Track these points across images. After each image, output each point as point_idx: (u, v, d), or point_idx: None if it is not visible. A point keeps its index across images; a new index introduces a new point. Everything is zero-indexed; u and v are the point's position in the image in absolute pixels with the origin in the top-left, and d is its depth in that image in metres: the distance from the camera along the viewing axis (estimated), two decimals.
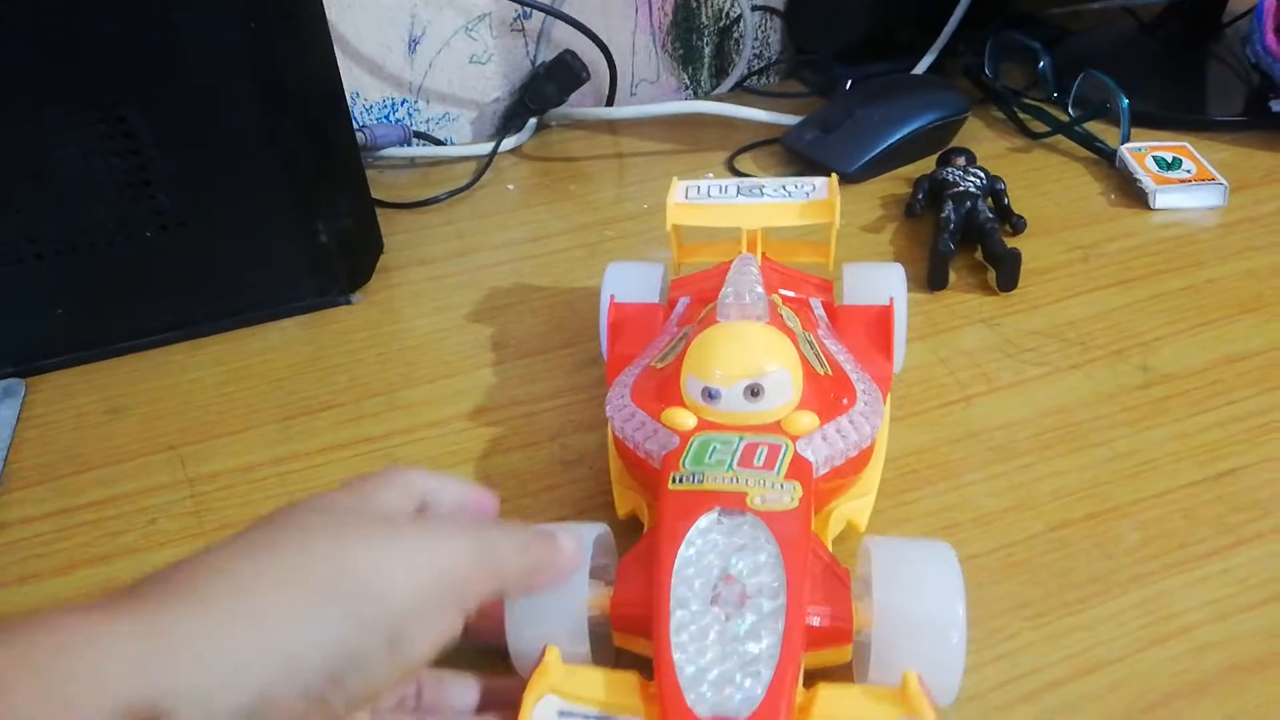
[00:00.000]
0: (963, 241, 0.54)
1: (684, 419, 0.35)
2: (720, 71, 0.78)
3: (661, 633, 0.29)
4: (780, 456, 0.34)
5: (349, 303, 0.55)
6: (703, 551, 0.31)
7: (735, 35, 0.77)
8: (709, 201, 0.46)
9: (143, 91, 0.46)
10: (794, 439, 0.34)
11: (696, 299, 0.44)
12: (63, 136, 0.46)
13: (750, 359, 0.35)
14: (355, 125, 0.68)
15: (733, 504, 0.32)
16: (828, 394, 0.36)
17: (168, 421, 0.48)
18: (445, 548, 0.27)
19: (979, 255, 0.54)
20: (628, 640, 0.33)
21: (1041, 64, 0.69)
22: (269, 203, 0.50)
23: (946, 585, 0.30)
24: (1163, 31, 0.75)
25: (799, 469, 0.33)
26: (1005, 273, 0.52)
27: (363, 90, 0.69)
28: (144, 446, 0.47)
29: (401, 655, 0.25)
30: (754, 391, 0.35)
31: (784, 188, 0.46)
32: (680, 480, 0.33)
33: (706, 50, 0.77)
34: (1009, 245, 0.53)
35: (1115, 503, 0.40)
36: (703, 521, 0.32)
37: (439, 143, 0.71)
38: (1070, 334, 0.49)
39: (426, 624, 0.26)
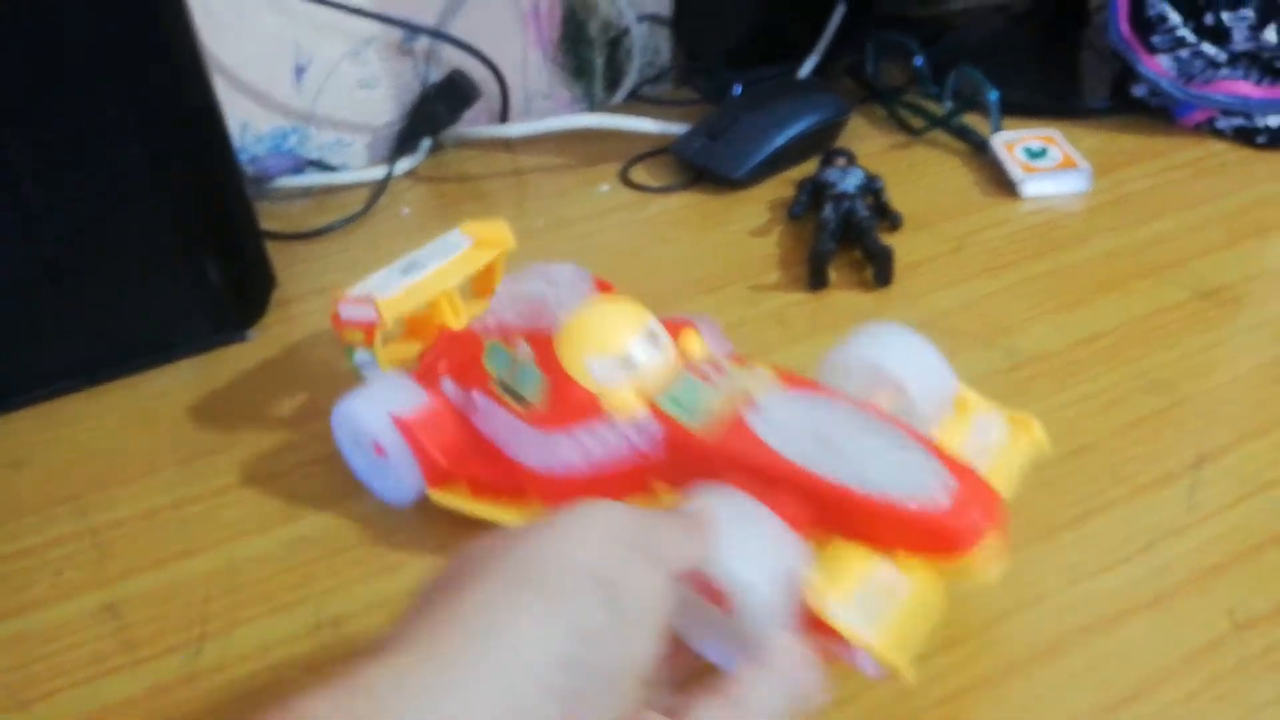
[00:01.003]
0: (843, 240, 0.57)
1: (627, 400, 0.37)
2: (614, 82, 0.80)
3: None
4: (725, 361, 0.39)
5: (244, 339, 0.55)
6: (791, 427, 0.35)
7: (625, 46, 0.78)
8: (400, 286, 0.45)
9: (21, 136, 0.46)
10: (700, 355, 0.40)
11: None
12: None
13: (628, 314, 0.39)
14: (246, 157, 0.68)
15: (747, 402, 0.36)
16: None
17: (69, 472, 0.48)
18: (610, 514, 0.26)
19: (858, 254, 0.57)
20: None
21: (918, 61, 0.72)
22: (155, 245, 0.51)
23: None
24: (1031, 24, 0.79)
25: (734, 359, 0.40)
26: (880, 269, 0.54)
27: (252, 121, 0.69)
28: (46, 499, 0.47)
29: (626, 615, 0.24)
30: (652, 337, 0.39)
31: (431, 253, 0.48)
32: (695, 424, 0.36)
33: (598, 62, 0.79)
34: (886, 241, 0.55)
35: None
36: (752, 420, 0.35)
37: (332, 169, 0.71)
38: (942, 324, 0.52)
39: (633, 577, 0.25)
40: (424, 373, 0.44)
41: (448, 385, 0.43)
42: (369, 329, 0.45)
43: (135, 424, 0.51)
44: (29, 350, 0.51)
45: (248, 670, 0.38)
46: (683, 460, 0.36)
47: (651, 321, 0.39)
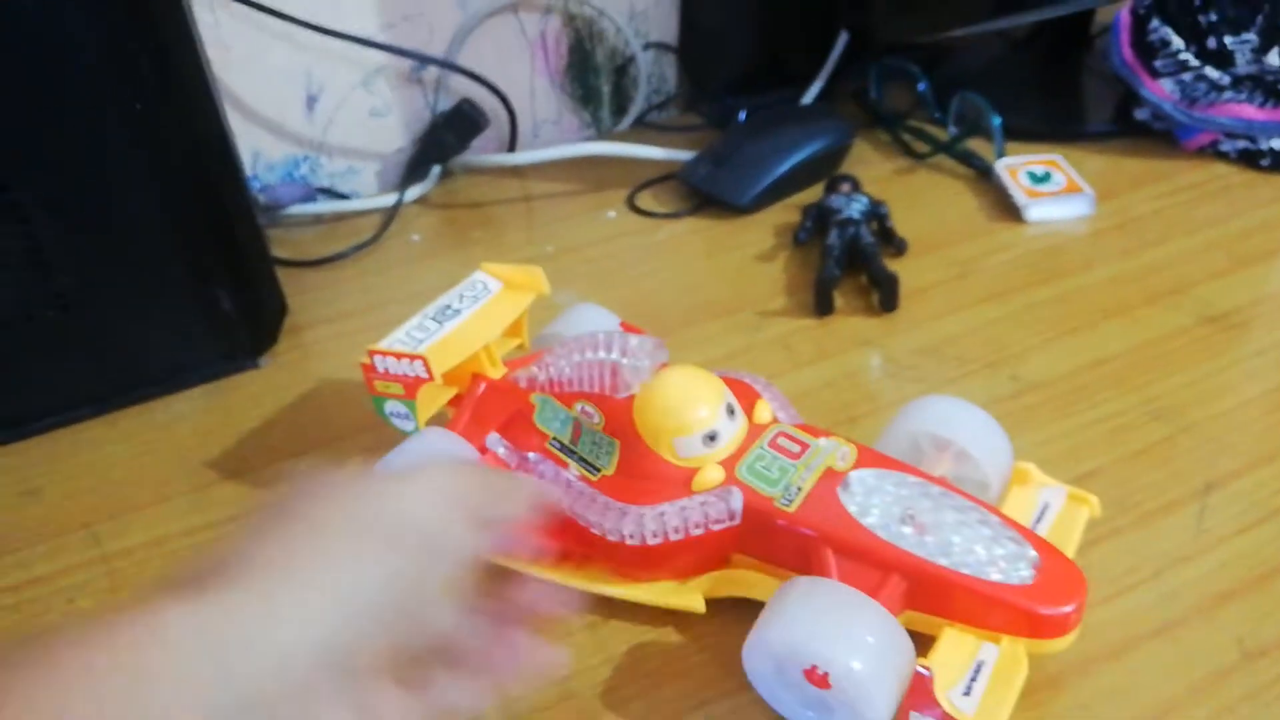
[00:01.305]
0: (848, 266, 0.57)
1: (712, 474, 0.37)
2: (620, 109, 0.81)
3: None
4: (798, 431, 0.39)
5: (256, 367, 0.56)
6: (882, 506, 0.36)
7: (631, 73, 0.79)
8: (439, 335, 0.43)
9: (33, 173, 0.47)
10: (770, 423, 0.39)
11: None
12: None
13: (708, 387, 0.39)
14: (257, 185, 0.69)
15: (834, 478, 0.37)
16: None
17: (82, 499, 0.49)
18: (451, 478, 0.30)
19: (864, 279, 0.57)
20: None
21: (921, 86, 0.73)
22: (167, 274, 0.51)
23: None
24: (1034, 49, 0.79)
25: (807, 429, 0.39)
26: (886, 295, 0.54)
27: (264, 150, 0.70)
28: (60, 526, 0.47)
29: (448, 568, 0.28)
30: (730, 410, 0.39)
31: (462, 297, 0.46)
32: (786, 502, 0.36)
33: (605, 89, 0.80)
34: (892, 267, 0.56)
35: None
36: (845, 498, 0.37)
37: (343, 197, 0.72)
38: (948, 350, 0.52)
39: (457, 538, 0.29)
40: (468, 428, 0.42)
41: (495, 442, 0.42)
42: (413, 384, 0.42)
43: (148, 452, 0.51)
44: (43, 379, 0.52)
45: None
46: (766, 534, 0.37)
47: (728, 394, 0.39)
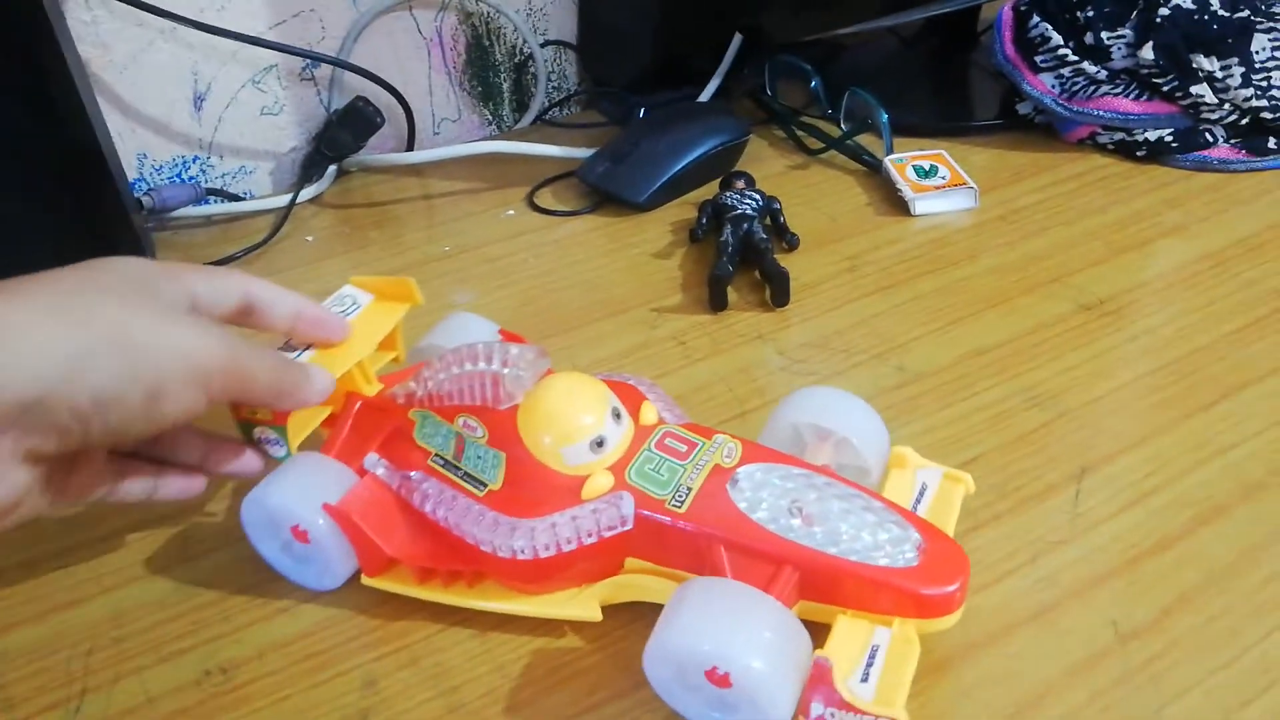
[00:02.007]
0: (742, 262, 0.58)
1: (601, 481, 0.37)
2: (521, 105, 0.80)
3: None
4: (684, 431, 0.39)
5: None
6: (770, 500, 0.37)
7: (531, 70, 0.79)
8: (309, 353, 0.41)
9: None
10: (656, 424, 0.40)
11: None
12: None
13: (592, 392, 0.38)
14: (144, 188, 0.67)
15: (722, 475, 0.37)
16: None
17: None
18: (203, 343, 0.34)
19: (757, 275, 0.58)
20: None
21: (814, 83, 0.74)
22: None
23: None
24: (923, 47, 0.81)
25: (693, 428, 0.40)
26: (777, 290, 0.55)
27: (151, 151, 0.68)
28: None
29: (154, 409, 0.33)
30: (616, 414, 0.38)
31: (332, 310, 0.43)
32: (677, 504, 0.36)
33: (505, 86, 0.79)
34: (784, 262, 0.57)
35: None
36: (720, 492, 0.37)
37: (236, 198, 0.70)
38: (836, 343, 0.53)
39: (177, 392, 0.33)
40: (343, 449, 0.41)
41: (374, 463, 0.40)
42: (280, 413, 0.39)
43: None
44: None
45: None
46: (659, 536, 0.36)
47: (613, 398, 0.38)
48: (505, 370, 0.37)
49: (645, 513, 0.36)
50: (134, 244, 0.54)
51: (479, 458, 0.38)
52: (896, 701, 0.32)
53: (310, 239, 0.66)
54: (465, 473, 0.39)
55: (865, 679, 0.33)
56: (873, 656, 0.34)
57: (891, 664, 0.34)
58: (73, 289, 0.33)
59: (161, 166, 0.69)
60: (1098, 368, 0.51)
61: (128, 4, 0.60)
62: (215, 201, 0.70)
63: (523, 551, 0.36)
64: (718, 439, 0.39)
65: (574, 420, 0.37)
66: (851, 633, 0.34)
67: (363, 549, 0.39)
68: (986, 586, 0.40)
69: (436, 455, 0.39)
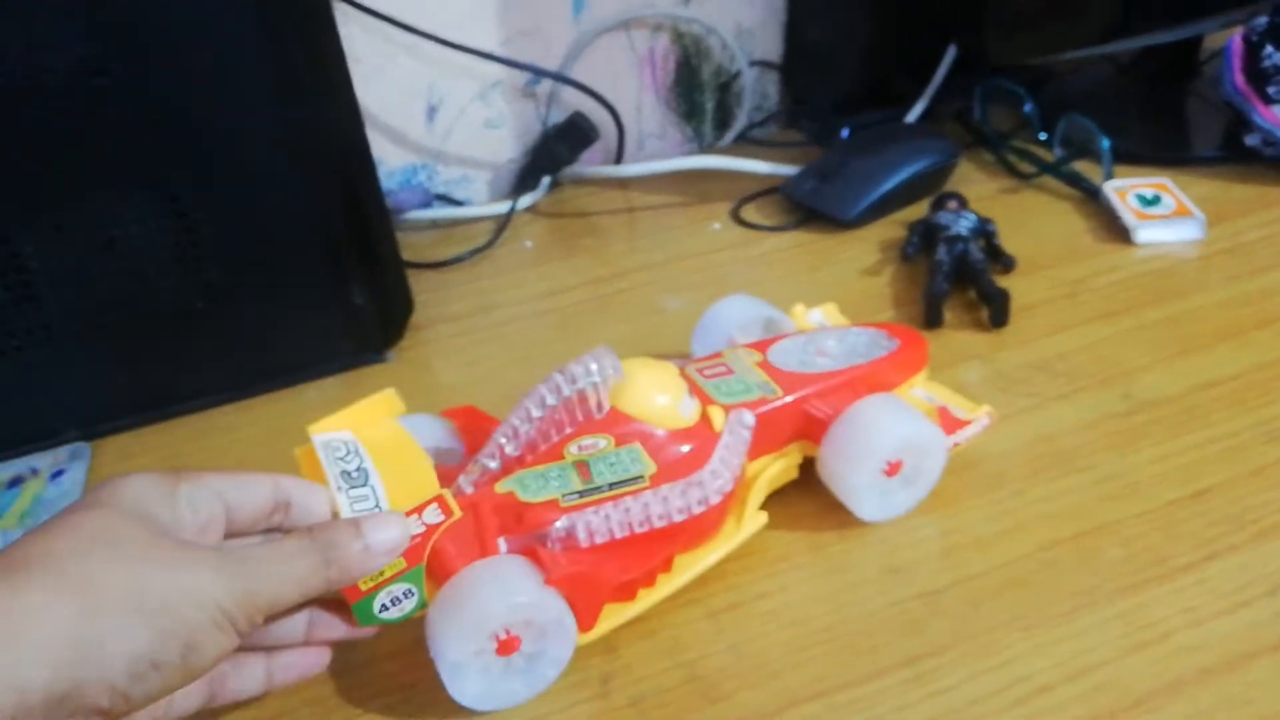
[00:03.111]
0: (956, 282, 0.58)
1: (715, 415, 0.42)
2: (723, 124, 0.83)
3: None
4: (705, 361, 0.46)
5: (383, 361, 0.59)
6: (804, 360, 0.47)
7: (735, 90, 0.81)
8: (383, 491, 0.37)
9: (192, 171, 0.50)
10: (683, 368, 0.45)
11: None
12: (124, 215, 0.50)
13: (652, 360, 0.43)
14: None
15: (765, 365, 0.46)
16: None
17: None
18: (222, 578, 0.31)
19: (972, 295, 0.58)
20: None
21: (1027, 108, 0.73)
22: (308, 270, 0.54)
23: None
24: (1140, 73, 0.79)
25: (707, 358, 0.47)
26: (996, 310, 0.55)
27: (386, 157, 0.73)
28: None
29: (190, 663, 0.30)
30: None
31: (345, 459, 0.38)
32: (772, 395, 0.44)
33: (709, 105, 0.82)
34: (1000, 284, 0.57)
35: (1100, 522, 0.43)
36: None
37: (458, 204, 0.75)
38: (1058, 366, 0.52)
39: (208, 639, 0.30)
40: (467, 558, 0.37)
41: (512, 544, 0.38)
42: (419, 546, 0.35)
43: (282, 436, 0.54)
44: (189, 364, 0.55)
45: None
46: (772, 427, 0.43)
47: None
48: (598, 380, 0.39)
49: (760, 415, 0.42)
50: (389, 239, 0.59)
51: (613, 464, 0.39)
52: (976, 408, 0.46)
53: (528, 244, 0.70)
54: (610, 484, 0.39)
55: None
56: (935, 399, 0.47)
57: (946, 396, 0.48)
58: (73, 551, 0.30)
59: (394, 172, 0.74)
60: None
61: (381, 19, 0.66)
62: (440, 206, 0.75)
63: (718, 494, 0.40)
64: (728, 353, 0.47)
65: (671, 382, 0.42)
66: (916, 399, 0.47)
67: (588, 601, 0.38)
68: (1223, 614, 0.39)
69: (566, 495, 0.38)
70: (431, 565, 0.36)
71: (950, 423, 0.45)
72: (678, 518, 0.39)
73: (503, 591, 0.35)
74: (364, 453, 0.38)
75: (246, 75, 0.49)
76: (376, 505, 0.36)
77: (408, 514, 0.36)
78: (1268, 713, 0.36)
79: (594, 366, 0.39)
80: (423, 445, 0.40)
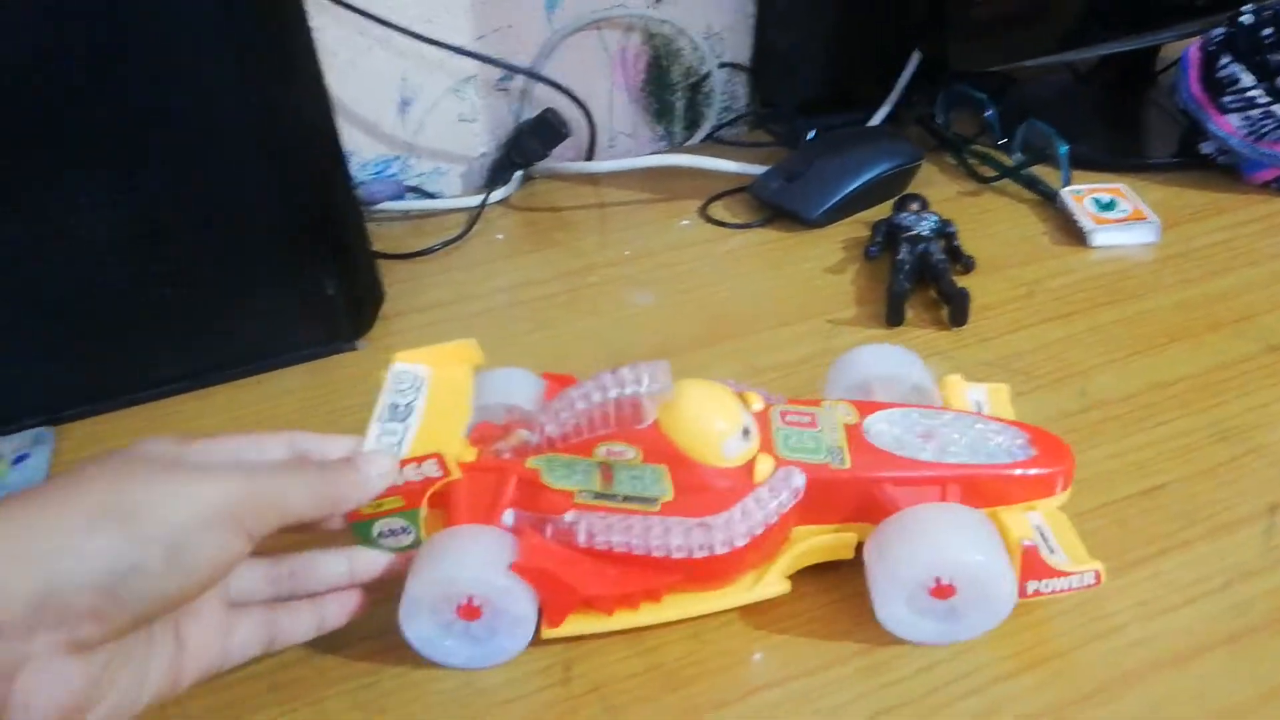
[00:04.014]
0: (917, 281, 0.59)
1: (764, 464, 0.39)
2: (692, 124, 0.83)
3: None
4: (795, 405, 0.42)
5: (354, 349, 0.59)
6: (903, 437, 0.41)
7: (705, 90, 0.82)
8: (412, 434, 0.39)
9: (154, 155, 0.49)
10: (766, 407, 0.42)
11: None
12: (82, 201, 0.49)
13: (720, 388, 0.41)
14: (353, 182, 0.72)
15: (855, 430, 0.41)
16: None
17: None
18: (217, 484, 0.32)
19: (933, 294, 0.59)
20: None
21: (989, 113, 0.75)
22: (276, 256, 0.54)
23: None
24: (1099, 81, 0.81)
25: (799, 401, 0.43)
26: (956, 310, 0.56)
27: (359, 149, 0.73)
28: None
29: (181, 566, 0.31)
30: (742, 399, 0.42)
31: (401, 392, 0.41)
32: (839, 463, 0.40)
33: (679, 105, 0.82)
34: (960, 284, 0.58)
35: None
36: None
37: (431, 196, 0.75)
38: (1016, 364, 0.54)
39: (203, 542, 0.31)
40: (473, 516, 0.39)
41: (518, 519, 0.40)
42: (419, 490, 0.38)
43: (249, 424, 0.54)
44: (154, 351, 0.55)
45: None
46: (826, 498, 0.39)
47: (732, 388, 0.41)
48: (643, 390, 0.38)
49: (814, 480, 0.39)
50: (360, 229, 0.59)
51: (636, 478, 0.39)
52: (1086, 559, 0.39)
53: (500, 237, 0.71)
54: (625, 496, 0.39)
55: (1052, 551, 0.39)
56: (1043, 535, 0.40)
57: (1061, 535, 0.40)
58: (64, 480, 0.31)
59: (366, 164, 0.74)
60: None
61: (354, 12, 0.66)
62: (413, 198, 0.75)
63: (724, 545, 0.38)
64: (826, 404, 0.42)
65: (725, 415, 0.39)
66: (1019, 522, 0.39)
67: (554, 600, 0.38)
68: (1176, 608, 0.40)
69: (583, 491, 0.39)
70: (445, 512, 0.39)
71: (1037, 567, 0.38)
72: (675, 555, 0.38)
73: (470, 562, 0.37)
74: (424, 392, 0.41)
75: (209, 59, 0.48)
76: (399, 443, 0.38)
77: (405, 463, 0.38)
78: (1219, 706, 0.37)
79: (645, 378, 0.38)
80: (505, 400, 0.44)
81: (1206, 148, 0.71)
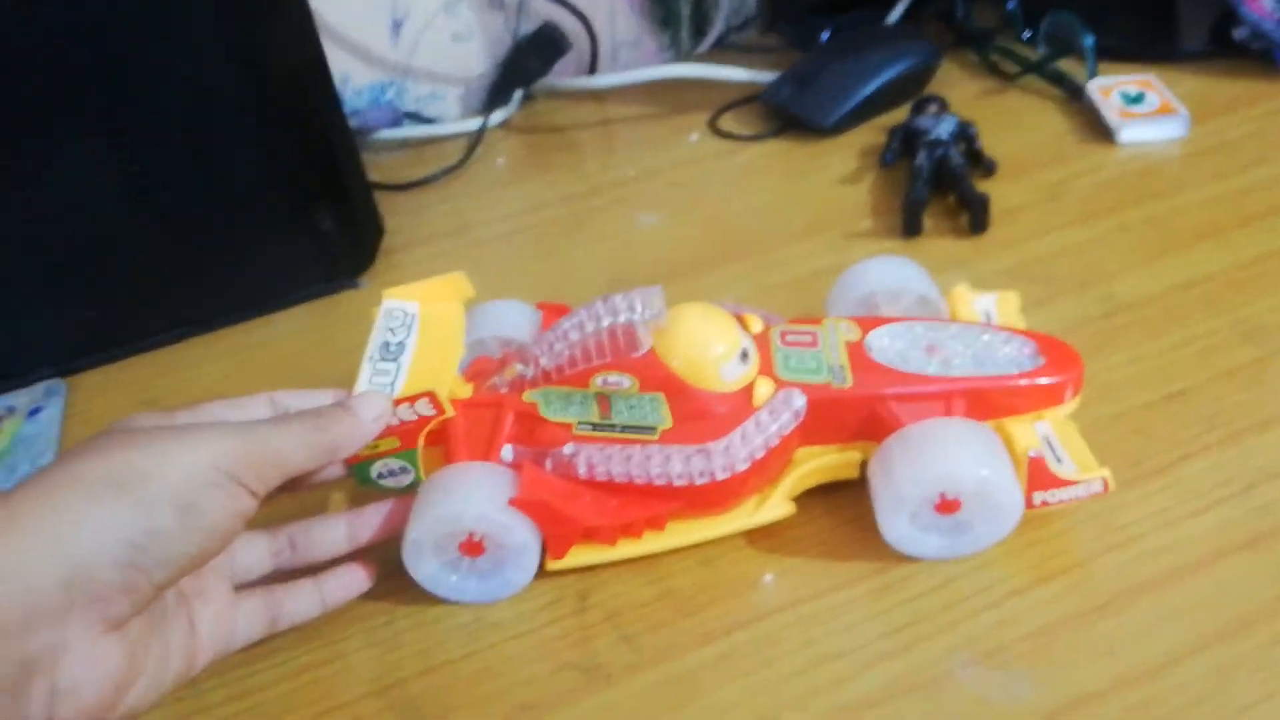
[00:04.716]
0: (936, 188, 0.57)
1: (764, 387, 0.38)
2: (700, 30, 0.80)
3: None
4: (796, 325, 0.41)
5: (356, 287, 0.58)
6: (907, 352, 0.40)
7: None
8: (404, 371, 0.39)
9: (139, 101, 0.48)
10: (766, 328, 0.41)
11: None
12: (71, 149, 0.48)
13: (716, 311, 0.39)
14: (347, 110, 0.71)
15: (857, 347, 0.40)
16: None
17: None
18: (212, 442, 0.32)
19: (952, 200, 0.57)
20: None
21: (1010, 5, 0.71)
22: (270, 196, 0.53)
23: None
24: None
25: (800, 320, 0.42)
26: (975, 216, 0.54)
27: (352, 75, 0.71)
28: None
29: (195, 524, 0.31)
30: (741, 321, 0.40)
31: (393, 330, 0.41)
32: (841, 382, 0.39)
33: (684, 11, 0.79)
34: (980, 189, 0.56)
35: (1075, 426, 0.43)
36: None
37: (429, 121, 0.73)
38: (1038, 271, 0.52)
39: (209, 499, 0.31)
40: (470, 455, 0.39)
41: (516, 453, 0.39)
42: (414, 430, 0.38)
43: (254, 366, 0.54)
44: (156, 297, 0.55)
45: None
46: (830, 417, 0.39)
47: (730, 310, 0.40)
48: (636, 317, 0.37)
49: (815, 400, 0.38)
50: (354, 161, 0.58)
51: (633, 407, 0.38)
52: (1095, 467, 0.38)
53: (500, 162, 0.69)
54: (624, 426, 0.38)
55: (1060, 460, 0.38)
56: (1050, 445, 0.39)
57: (1069, 444, 0.39)
58: (63, 462, 0.31)
59: (361, 90, 0.72)
60: None
61: None
62: (410, 124, 0.73)
63: (725, 470, 0.37)
64: (828, 323, 0.41)
65: (722, 339, 0.38)
66: (1027, 432, 0.38)
67: (555, 532, 0.38)
68: (1197, 514, 0.39)
69: (581, 423, 0.39)
70: (444, 449, 0.39)
71: (1044, 477, 0.37)
72: (676, 483, 0.37)
73: (469, 499, 0.37)
74: (415, 329, 0.40)
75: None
76: (392, 383, 0.38)
77: (399, 402, 0.37)
78: (1238, 612, 0.36)
79: (638, 304, 0.37)
80: (499, 333, 0.44)
81: (1239, 33, 0.67)
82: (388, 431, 0.37)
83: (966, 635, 0.36)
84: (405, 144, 0.72)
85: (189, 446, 0.32)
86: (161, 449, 0.31)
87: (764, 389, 0.38)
